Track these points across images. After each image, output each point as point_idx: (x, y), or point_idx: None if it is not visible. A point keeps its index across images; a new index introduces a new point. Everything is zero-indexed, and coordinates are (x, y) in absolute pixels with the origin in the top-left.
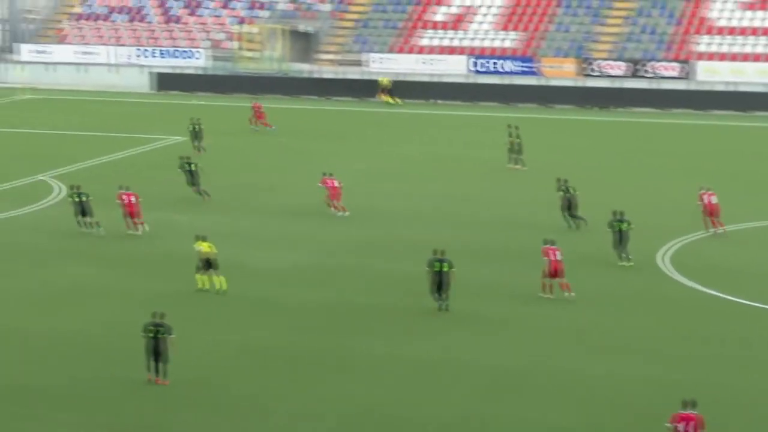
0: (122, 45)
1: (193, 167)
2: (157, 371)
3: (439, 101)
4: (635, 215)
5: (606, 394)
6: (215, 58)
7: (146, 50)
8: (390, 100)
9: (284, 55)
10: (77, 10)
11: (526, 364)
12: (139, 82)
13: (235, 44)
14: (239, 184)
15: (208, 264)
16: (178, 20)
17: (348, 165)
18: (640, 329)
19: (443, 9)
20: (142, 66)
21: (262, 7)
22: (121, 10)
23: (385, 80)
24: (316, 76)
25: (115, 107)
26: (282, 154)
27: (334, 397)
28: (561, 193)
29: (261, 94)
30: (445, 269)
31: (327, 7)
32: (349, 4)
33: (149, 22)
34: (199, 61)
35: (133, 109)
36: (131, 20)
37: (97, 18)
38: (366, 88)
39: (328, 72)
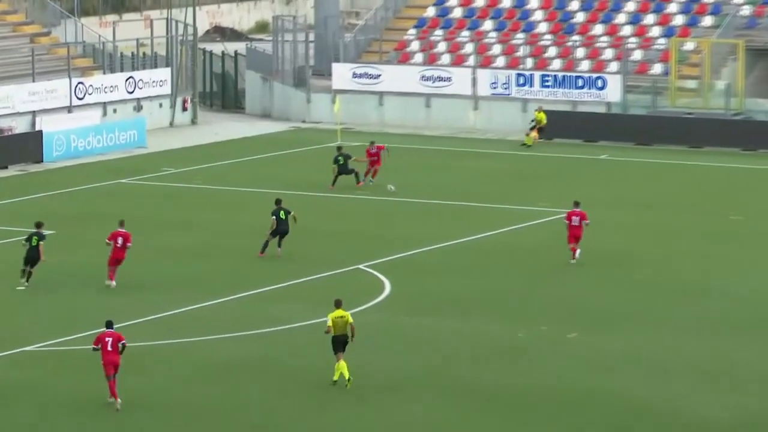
0: (489, 67)
1: (282, 214)
2: None
3: None
4: None
5: None
6: (630, 90)
7: (524, 75)
8: (530, 139)
9: (740, 86)
10: (428, 13)
11: None
12: (512, 123)
13: (664, 68)
14: (672, 288)
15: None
16: (575, 30)
17: None
18: None
19: None
20: (518, 99)
21: (706, 10)
22: (491, 14)
23: (542, 114)
24: None
25: (471, 161)
26: (740, 240)
27: None
28: None
29: (701, 145)
30: None
31: None
32: None
33: (532, 33)
34: (605, 93)
35: (500, 165)
36: (504, 29)
37: (453, 26)
38: None
39: None
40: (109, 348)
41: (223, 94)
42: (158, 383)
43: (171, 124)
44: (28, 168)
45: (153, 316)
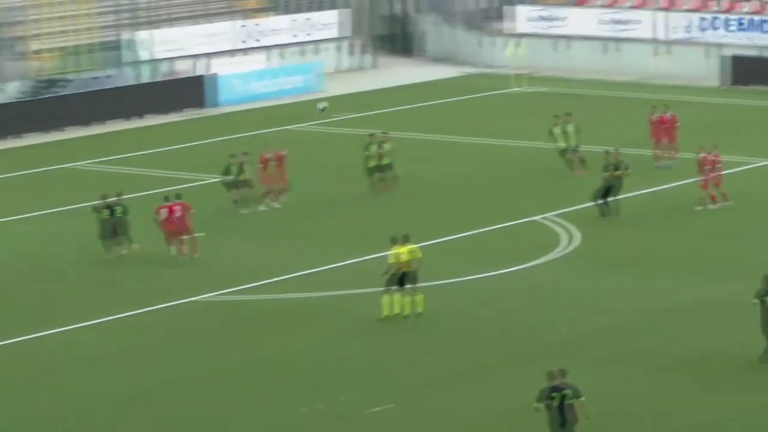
0: (676, 9)
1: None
2: None
3: None
4: None
5: None
6: None
7: (717, 18)
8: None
9: None
10: None
11: None
12: (703, 69)
13: None
14: None
15: (402, 279)
16: None
17: None
18: None
19: None
20: (707, 44)
21: None
22: None
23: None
24: None
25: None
26: None
27: None
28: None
29: None
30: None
31: None
32: None
33: None
34: None
35: (690, 113)
36: None
37: None
38: None
39: None
40: None
41: (400, 38)
42: (316, 340)
43: (347, 68)
44: (203, 112)
45: (307, 271)
